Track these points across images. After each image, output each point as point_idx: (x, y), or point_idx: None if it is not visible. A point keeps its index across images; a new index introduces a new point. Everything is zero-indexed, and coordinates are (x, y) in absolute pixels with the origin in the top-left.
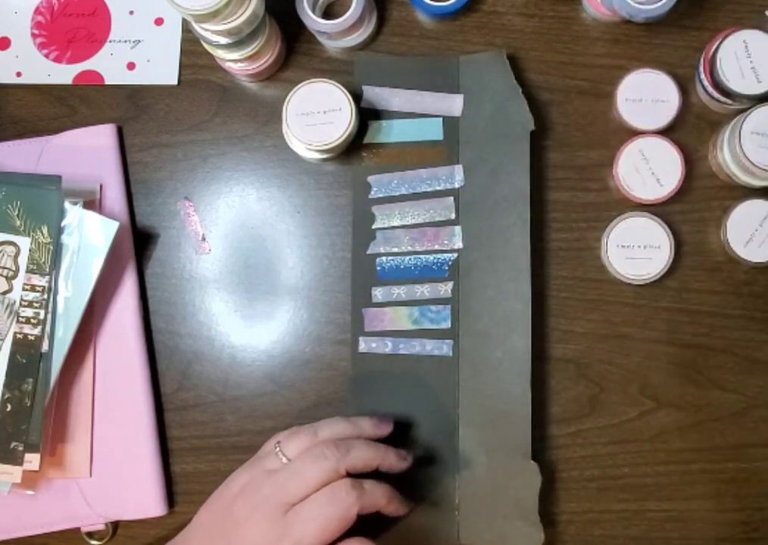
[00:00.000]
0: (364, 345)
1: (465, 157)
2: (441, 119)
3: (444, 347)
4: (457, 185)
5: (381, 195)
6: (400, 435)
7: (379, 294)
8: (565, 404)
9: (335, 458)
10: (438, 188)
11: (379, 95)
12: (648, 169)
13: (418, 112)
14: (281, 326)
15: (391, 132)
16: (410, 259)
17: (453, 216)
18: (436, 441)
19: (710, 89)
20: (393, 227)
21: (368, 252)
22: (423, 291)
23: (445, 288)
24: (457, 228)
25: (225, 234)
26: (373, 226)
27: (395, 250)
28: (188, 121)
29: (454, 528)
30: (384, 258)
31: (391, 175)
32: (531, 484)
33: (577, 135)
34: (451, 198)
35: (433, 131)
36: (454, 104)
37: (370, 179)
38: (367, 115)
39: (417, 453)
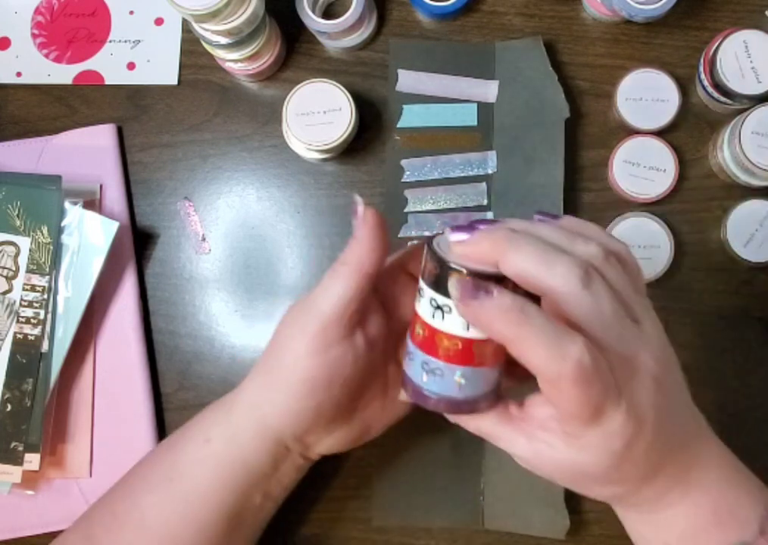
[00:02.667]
0: None
1: (499, 143)
2: (475, 104)
3: None
4: (490, 171)
5: (414, 179)
6: (426, 420)
7: None
8: None
9: None
10: (471, 173)
11: (414, 79)
12: (642, 167)
13: (453, 97)
14: None
15: (426, 116)
16: None
17: (485, 202)
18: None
19: (710, 89)
20: (425, 211)
21: (399, 235)
22: None
23: None
24: (489, 214)
25: (225, 234)
26: (405, 210)
27: (427, 234)
28: (188, 121)
29: (479, 513)
30: (415, 242)
31: (424, 159)
32: None
33: (577, 134)
34: (484, 184)
35: (467, 116)
36: (489, 90)
37: (404, 162)
38: (402, 99)
39: (443, 437)
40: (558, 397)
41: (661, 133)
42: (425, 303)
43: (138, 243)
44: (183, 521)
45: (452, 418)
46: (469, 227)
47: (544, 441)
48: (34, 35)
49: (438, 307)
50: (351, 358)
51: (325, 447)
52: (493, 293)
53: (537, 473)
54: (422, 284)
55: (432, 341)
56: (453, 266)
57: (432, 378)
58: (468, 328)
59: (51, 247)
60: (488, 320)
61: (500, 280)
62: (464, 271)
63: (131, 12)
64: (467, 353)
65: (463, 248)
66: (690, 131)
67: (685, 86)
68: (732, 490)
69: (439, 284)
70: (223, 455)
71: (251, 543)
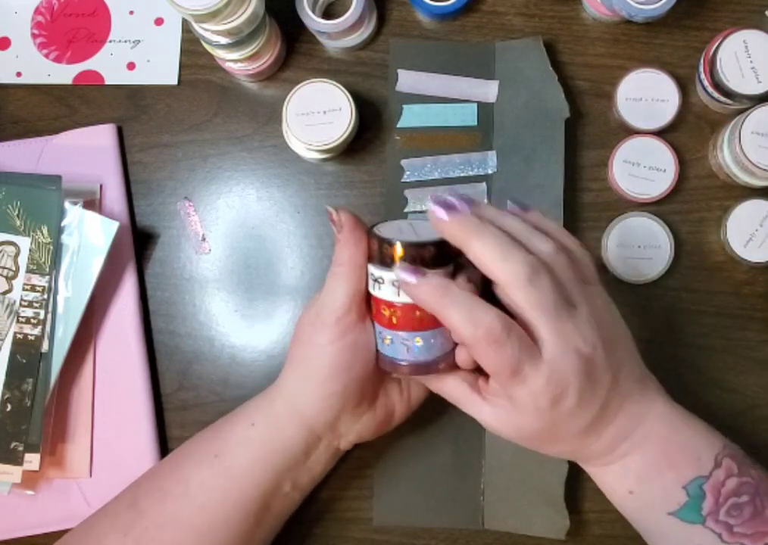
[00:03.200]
0: None
1: (499, 143)
2: (475, 104)
3: None
4: (490, 171)
5: (414, 179)
6: (426, 421)
7: None
8: None
9: None
10: (471, 173)
11: (414, 79)
12: (642, 167)
13: (453, 97)
14: (281, 326)
15: (426, 116)
16: None
17: (485, 201)
18: (463, 426)
19: (710, 89)
20: (425, 211)
21: None
22: None
23: None
24: None
25: (225, 234)
26: (405, 210)
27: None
28: (188, 121)
29: (479, 514)
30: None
31: (425, 159)
32: (557, 471)
33: (577, 134)
34: (484, 184)
35: (467, 116)
36: (489, 90)
37: (404, 162)
38: (402, 99)
39: (444, 438)
40: (480, 358)
41: (661, 133)
42: (370, 280)
43: (138, 243)
44: (223, 495)
45: (427, 384)
46: (448, 205)
47: (500, 406)
48: (34, 35)
49: (375, 280)
50: (365, 339)
51: (354, 435)
52: (426, 274)
53: (502, 436)
54: (369, 265)
55: (378, 312)
56: (389, 239)
57: (387, 345)
58: (399, 295)
59: (51, 247)
60: (419, 295)
61: (438, 246)
62: (398, 243)
63: (131, 12)
64: (407, 318)
65: (436, 224)
66: (690, 131)
67: (685, 86)
68: (681, 436)
69: (376, 259)
70: (264, 438)
71: (273, 532)
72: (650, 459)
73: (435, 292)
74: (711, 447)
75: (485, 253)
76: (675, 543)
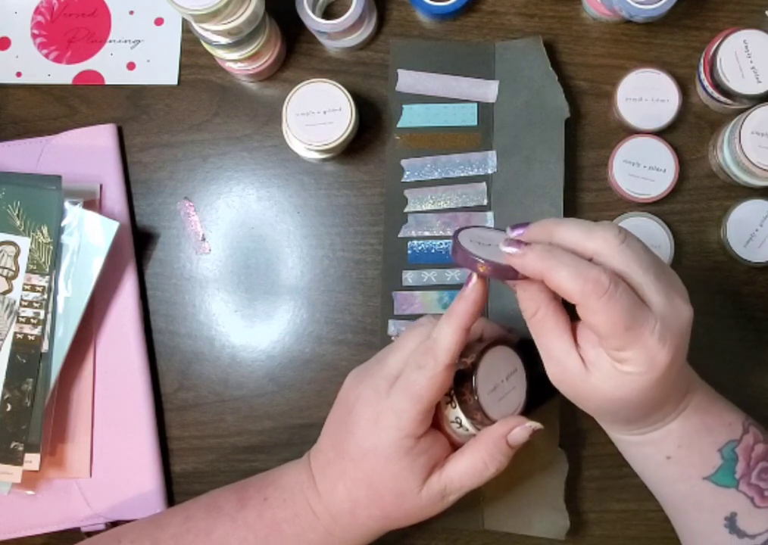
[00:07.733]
0: (393, 328)
1: (499, 143)
2: (475, 104)
3: None
4: (490, 171)
5: (414, 179)
6: None
7: (409, 277)
8: (565, 404)
9: (429, 322)
10: (471, 173)
11: (414, 79)
12: (642, 167)
13: (453, 97)
14: (281, 326)
15: (426, 116)
16: (441, 243)
17: (485, 201)
18: None
19: (710, 89)
20: (425, 211)
21: (399, 235)
22: (454, 275)
23: None
24: (489, 214)
25: (225, 234)
26: (405, 210)
27: (426, 234)
28: (188, 121)
29: (479, 514)
30: (415, 242)
31: (425, 159)
32: (558, 471)
33: (577, 134)
34: (484, 184)
35: (467, 116)
36: (489, 90)
37: (404, 162)
38: (402, 99)
39: None
40: (592, 315)
41: (661, 133)
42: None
43: (138, 243)
44: None
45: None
46: (520, 226)
47: (596, 365)
48: (34, 35)
49: (460, 424)
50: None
51: None
52: (528, 244)
53: (570, 393)
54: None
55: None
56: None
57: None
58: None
59: (51, 247)
60: (527, 263)
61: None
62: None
63: (131, 12)
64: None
65: (516, 257)
66: (690, 131)
67: (685, 86)
68: (714, 405)
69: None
70: None
71: None
72: (690, 425)
73: (540, 256)
74: (738, 415)
75: (572, 230)
76: (708, 510)
